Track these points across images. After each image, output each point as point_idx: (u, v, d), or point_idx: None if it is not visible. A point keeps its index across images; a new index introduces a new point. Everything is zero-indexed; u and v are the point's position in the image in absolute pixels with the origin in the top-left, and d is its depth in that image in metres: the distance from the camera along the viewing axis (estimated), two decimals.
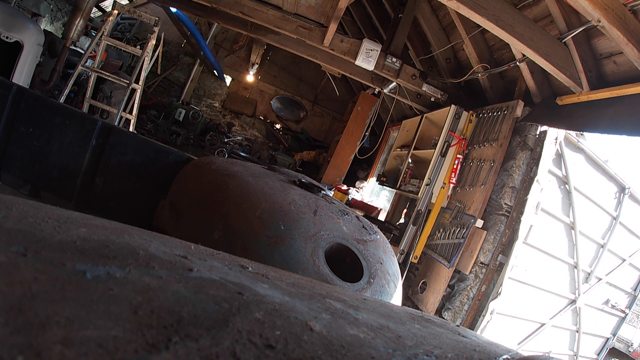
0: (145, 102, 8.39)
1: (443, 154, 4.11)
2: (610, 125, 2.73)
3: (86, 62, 4.63)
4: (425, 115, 5.11)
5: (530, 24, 2.86)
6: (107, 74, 4.43)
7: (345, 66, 5.16)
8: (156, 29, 4.62)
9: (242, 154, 8.52)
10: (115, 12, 4.57)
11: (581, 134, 3.57)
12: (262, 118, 10.27)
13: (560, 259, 3.72)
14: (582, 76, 2.88)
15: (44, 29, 4.58)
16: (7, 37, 3.80)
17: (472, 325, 3.38)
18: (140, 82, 4.70)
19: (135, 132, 4.59)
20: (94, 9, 7.30)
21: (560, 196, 3.59)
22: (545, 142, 3.37)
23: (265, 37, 5.13)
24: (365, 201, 6.03)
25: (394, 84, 4.94)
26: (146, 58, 4.62)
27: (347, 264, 1.48)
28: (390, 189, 5.84)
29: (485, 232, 3.42)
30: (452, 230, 3.75)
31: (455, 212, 3.85)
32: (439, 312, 3.59)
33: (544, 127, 3.41)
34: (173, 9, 6.59)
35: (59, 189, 2.14)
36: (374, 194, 6.96)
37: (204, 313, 0.41)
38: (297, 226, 1.43)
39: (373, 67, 4.37)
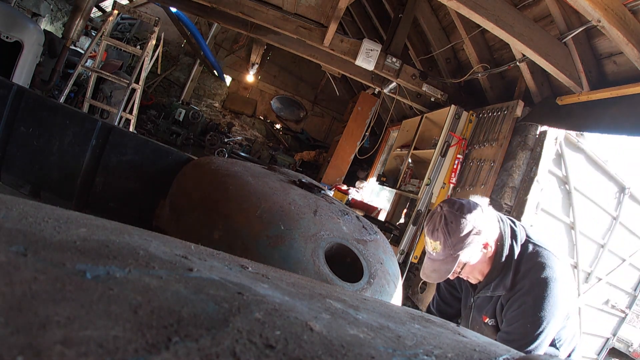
0: (145, 102, 8.39)
1: (443, 154, 4.11)
2: (610, 125, 2.73)
3: (86, 62, 4.63)
4: (425, 115, 5.11)
5: (530, 24, 2.86)
6: (107, 74, 4.43)
7: (345, 66, 5.16)
8: (156, 29, 4.62)
9: (242, 154, 8.52)
10: (115, 12, 4.58)
11: (581, 134, 3.56)
12: (262, 118, 10.27)
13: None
14: (582, 76, 2.88)
15: (44, 29, 4.58)
16: (7, 37, 3.80)
17: None
18: (140, 82, 4.70)
19: (135, 132, 4.59)
20: (94, 9, 7.30)
21: (560, 196, 3.59)
22: (545, 142, 3.37)
23: (265, 37, 5.13)
24: (365, 201, 6.03)
25: (394, 84, 4.94)
26: (146, 58, 4.62)
27: (347, 264, 1.48)
28: (390, 189, 5.84)
29: None
30: None
31: None
32: None
33: (544, 127, 3.41)
34: (173, 9, 6.59)
35: (59, 189, 2.14)
36: (374, 194, 6.96)
37: (204, 313, 0.41)
38: (297, 226, 1.43)
39: (373, 67, 4.37)
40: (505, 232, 1.44)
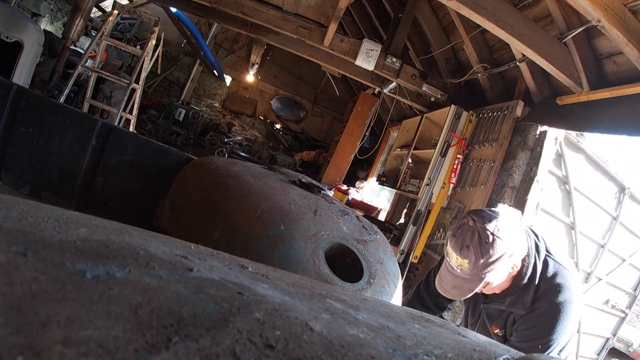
0: (145, 102, 8.39)
1: (443, 154, 4.10)
2: (610, 125, 2.73)
3: (86, 62, 4.63)
4: (425, 115, 5.11)
5: (530, 24, 2.86)
6: (107, 74, 4.43)
7: (345, 66, 5.16)
8: (156, 29, 4.62)
9: (242, 154, 8.52)
10: (115, 12, 4.58)
11: (581, 134, 3.56)
12: (262, 118, 10.26)
13: None
14: (582, 76, 2.88)
15: (44, 29, 4.58)
16: (7, 37, 3.80)
17: None
18: (140, 82, 4.70)
19: (135, 132, 4.60)
20: (94, 9, 7.30)
21: (560, 196, 3.59)
22: (545, 142, 3.37)
23: (265, 37, 5.13)
24: (365, 201, 6.03)
25: (394, 84, 4.94)
26: (146, 58, 4.62)
27: (347, 264, 1.48)
28: (390, 189, 5.84)
29: None
30: None
31: (456, 212, 3.85)
32: None
33: (544, 127, 3.41)
34: (173, 9, 6.59)
35: (59, 189, 2.14)
36: (374, 194, 6.96)
37: (204, 313, 0.41)
38: (297, 226, 1.42)
39: (373, 67, 4.37)
40: (531, 250, 1.37)
